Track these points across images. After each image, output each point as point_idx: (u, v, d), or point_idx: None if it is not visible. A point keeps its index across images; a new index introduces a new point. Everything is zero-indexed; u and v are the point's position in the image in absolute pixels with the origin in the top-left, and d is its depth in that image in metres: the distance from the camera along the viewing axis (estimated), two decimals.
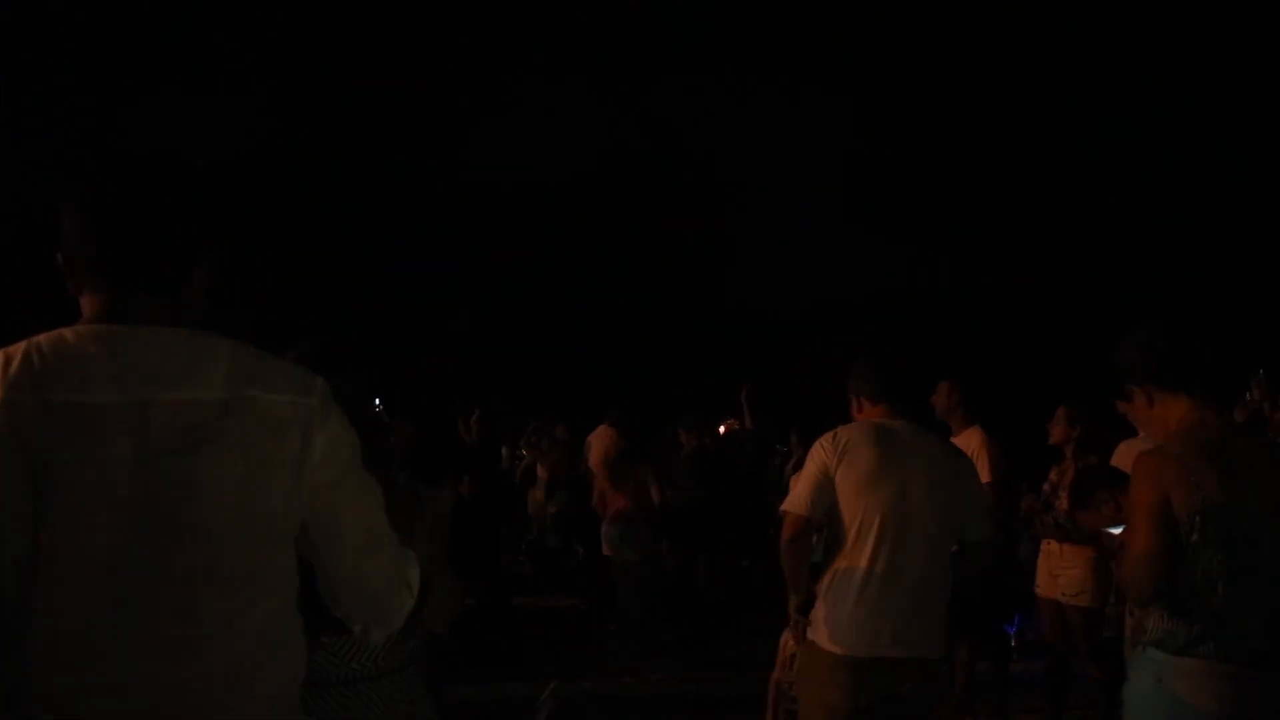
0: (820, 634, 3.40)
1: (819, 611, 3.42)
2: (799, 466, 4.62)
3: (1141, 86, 21.52)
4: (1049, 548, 5.30)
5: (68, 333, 1.45)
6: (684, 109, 23.66)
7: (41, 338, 1.44)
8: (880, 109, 23.09)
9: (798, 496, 3.43)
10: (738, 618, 8.09)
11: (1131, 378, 2.66)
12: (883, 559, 3.32)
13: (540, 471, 9.77)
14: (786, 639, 4.38)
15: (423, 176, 22.95)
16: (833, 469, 3.37)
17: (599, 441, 8.57)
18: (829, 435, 3.46)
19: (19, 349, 1.42)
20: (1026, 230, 22.37)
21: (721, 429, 10.16)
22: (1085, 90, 22.87)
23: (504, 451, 9.95)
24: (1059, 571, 5.18)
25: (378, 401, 4.68)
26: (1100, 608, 5.00)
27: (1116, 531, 4.01)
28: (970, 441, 5.51)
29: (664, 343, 21.94)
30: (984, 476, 5.43)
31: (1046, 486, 5.43)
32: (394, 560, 1.69)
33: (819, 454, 3.42)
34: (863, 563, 3.33)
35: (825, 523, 3.44)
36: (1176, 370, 2.58)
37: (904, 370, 3.68)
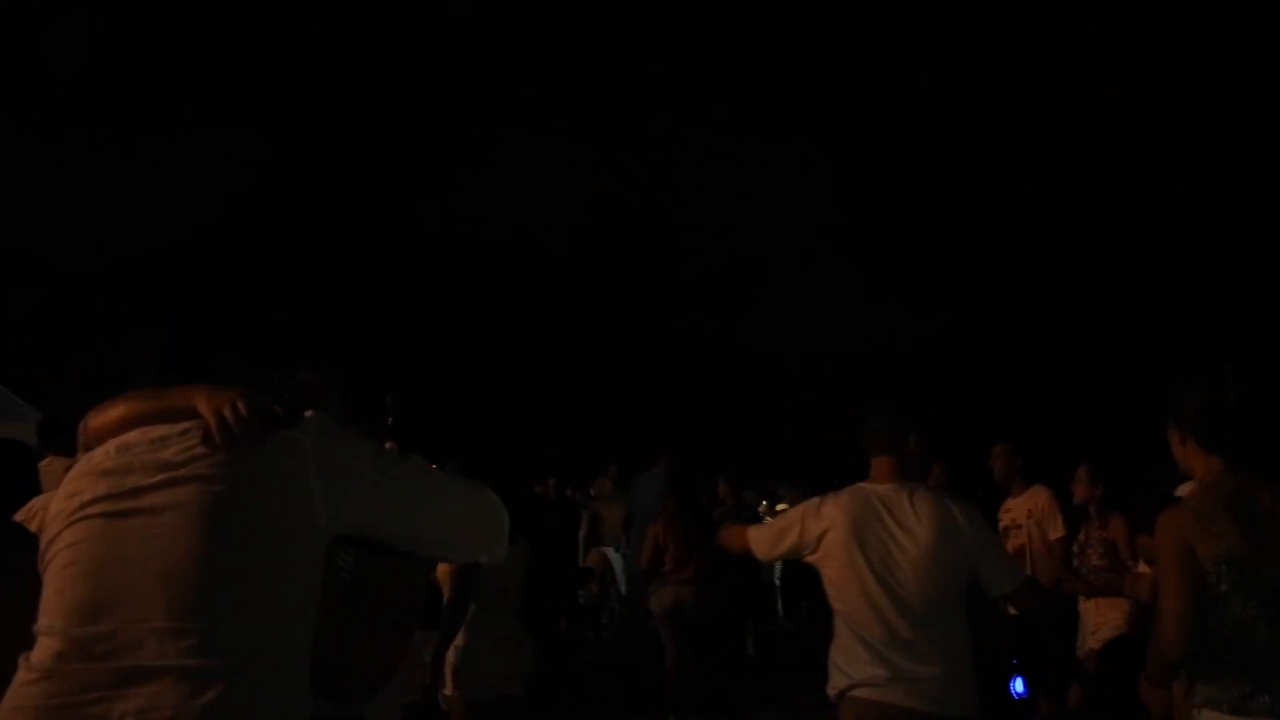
0: None
1: None
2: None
3: (1153, 129, 21.68)
4: (1086, 604, 5.37)
5: None
6: (675, 160, 23.99)
7: None
8: (872, 159, 23.34)
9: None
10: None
11: (1175, 420, 2.79)
12: None
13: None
14: None
15: (420, 223, 23.25)
16: None
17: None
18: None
19: None
20: (1033, 279, 22.51)
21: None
22: (1094, 133, 23.05)
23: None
24: (1097, 627, 5.24)
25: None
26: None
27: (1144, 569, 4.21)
28: (1038, 499, 5.75)
29: (659, 394, 21.94)
30: (1054, 533, 5.68)
31: (1075, 546, 5.53)
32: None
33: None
34: None
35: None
36: (1207, 430, 2.71)
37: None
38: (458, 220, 22.91)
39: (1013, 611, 4.43)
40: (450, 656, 4.38)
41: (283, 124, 21.81)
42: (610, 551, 9.53)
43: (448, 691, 4.44)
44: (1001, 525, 6.03)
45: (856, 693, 3.43)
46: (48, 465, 5.03)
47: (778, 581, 10.95)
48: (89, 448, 1.85)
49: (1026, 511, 5.86)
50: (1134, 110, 21.65)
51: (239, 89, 21.24)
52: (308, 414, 1.82)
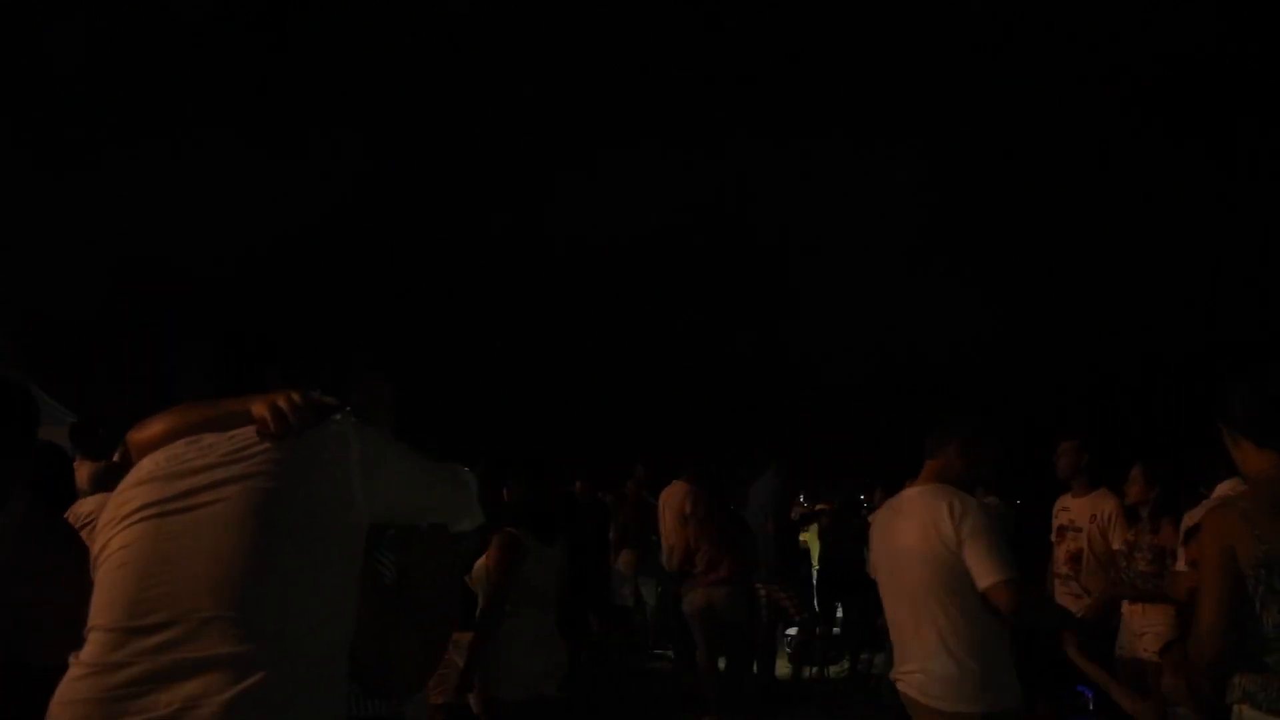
0: None
1: None
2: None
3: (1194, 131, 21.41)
4: (1131, 608, 5.24)
5: None
6: (753, 166, 24.03)
7: None
8: (949, 162, 23.25)
9: None
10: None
11: (1224, 420, 2.82)
12: None
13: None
14: None
15: (499, 233, 23.48)
16: None
17: (676, 498, 8.42)
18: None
19: None
20: (1093, 282, 22.30)
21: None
22: (1133, 134, 22.84)
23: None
24: (1143, 630, 5.13)
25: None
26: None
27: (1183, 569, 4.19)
28: (1104, 506, 5.59)
29: (731, 398, 22.08)
30: (1116, 543, 5.49)
31: (1124, 546, 5.40)
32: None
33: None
34: None
35: None
36: (1263, 426, 2.72)
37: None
38: (537, 227, 23.15)
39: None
40: (485, 657, 4.39)
41: (379, 132, 22.05)
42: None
43: (482, 692, 4.45)
44: (1057, 524, 5.91)
45: (896, 682, 3.74)
46: (77, 467, 5.19)
47: (815, 580, 10.90)
48: (134, 460, 1.92)
49: (1090, 516, 5.70)
50: (1155, 111, 21.38)
51: (298, 100, 21.48)
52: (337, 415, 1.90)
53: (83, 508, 4.11)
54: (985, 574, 3.48)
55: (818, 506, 10.26)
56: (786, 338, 22.90)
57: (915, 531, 3.62)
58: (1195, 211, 21.66)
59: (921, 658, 3.58)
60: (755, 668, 8.14)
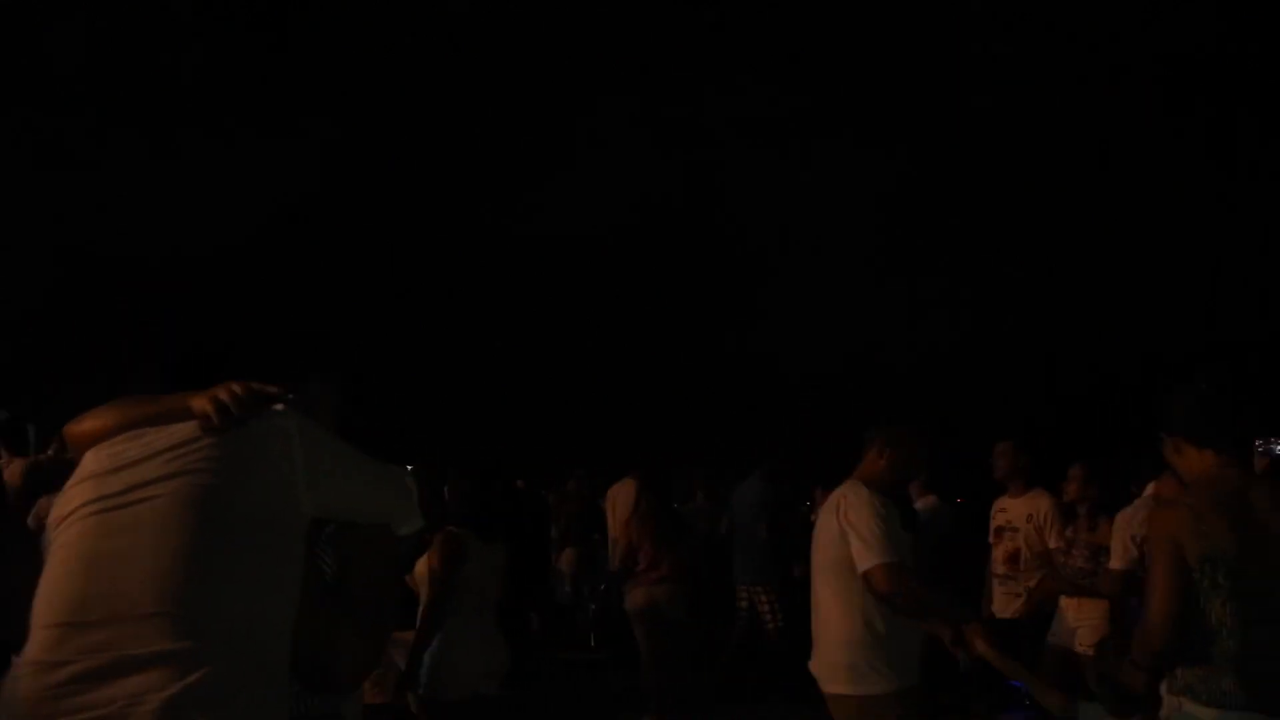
0: None
1: None
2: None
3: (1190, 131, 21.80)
4: (1067, 602, 5.32)
5: None
6: (722, 164, 24.13)
7: None
8: (918, 165, 23.51)
9: None
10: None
11: (1164, 427, 2.94)
12: None
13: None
14: None
15: (468, 228, 23.34)
16: None
17: (624, 496, 8.35)
18: None
19: None
20: (1057, 284, 22.69)
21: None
22: (1119, 141, 23.25)
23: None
24: (1078, 624, 5.23)
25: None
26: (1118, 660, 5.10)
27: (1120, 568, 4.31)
28: (1040, 505, 5.69)
29: (689, 396, 22.12)
30: (1053, 542, 5.61)
31: (1062, 544, 5.52)
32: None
33: None
34: None
35: None
36: (1200, 428, 2.85)
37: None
38: (505, 223, 23.01)
39: None
40: (426, 657, 4.36)
41: (357, 124, 21.76)
42: None
43: (421, 692, 4.42)
44: (995, 525, 5.98)
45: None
46: (6, 465, 5.14)
47: None
48: (71, 454, 1.93)
49: (1026, 515, 5.78)
50: (1135, 108, 21.82)
51: (283, 93, 21.14)
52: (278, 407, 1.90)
53: (43, 508, 4.08)
54: (863, 558, 3.65)
55: None
56: (753, 337, 23.02)
57: (821, 526, 3.91)
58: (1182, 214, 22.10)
59: (819, 644, 3.86)
60: (696, 666, 8.19)
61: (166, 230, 18.04)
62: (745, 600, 8.01)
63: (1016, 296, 22.80)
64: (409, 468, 2.17)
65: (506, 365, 22.80)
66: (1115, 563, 4.54)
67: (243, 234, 18.47)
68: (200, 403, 1.81)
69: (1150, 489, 4.69)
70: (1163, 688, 3.33)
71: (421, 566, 4.53)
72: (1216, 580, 2.65)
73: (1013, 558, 5.79)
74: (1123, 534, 4.49)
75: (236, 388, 1.82)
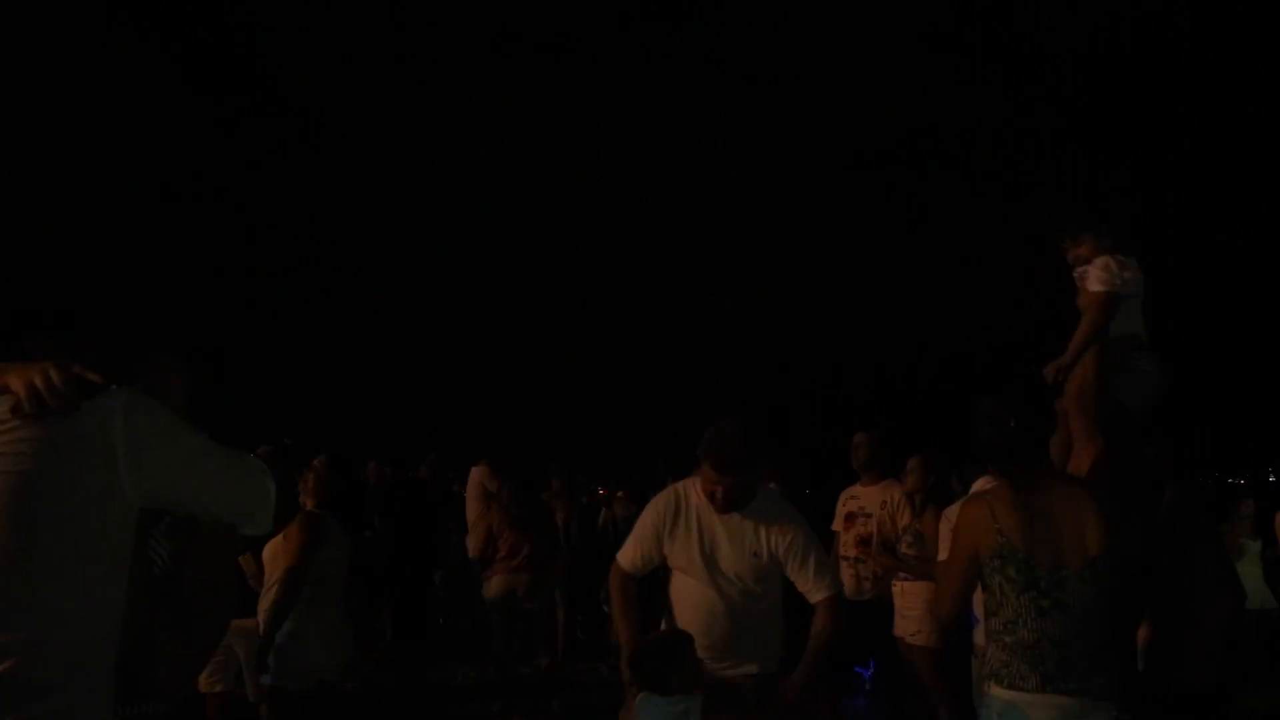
0: None
1: None
2: None
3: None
4: (896, 588, 5.61)
5: None
6: (590, 159, 24.27)
7: None
8: (775, 167, 24.00)
9: None
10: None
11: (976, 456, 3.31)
12: None
13: None
14: None
15: (331, 208, 22.84)
16: None
17: (474, 482, 8.26)
18: None
19: None
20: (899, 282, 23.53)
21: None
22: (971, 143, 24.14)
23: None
24: (906, 612, 5.49)
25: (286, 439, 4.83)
26: (941, 648, 5.20)
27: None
28: (893, 493, 5.96)
29: (537, 384, 22.16)
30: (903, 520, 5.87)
31: (900, 531, 5.76)
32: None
33: None
34: None
35: None
36: (991, 461, 3.20)
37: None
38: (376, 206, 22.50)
39: None
40: (275, 642, 4.30)
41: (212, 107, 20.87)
42: None
43: (265, 680, 4.36)
44: (845, 510, 6.20)
45: None
46: None
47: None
48: None
49: (881, 502, 6.02)
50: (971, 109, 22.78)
51: (170, 71, 20.12)
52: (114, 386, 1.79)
53: None
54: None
55: (618, 493, 10.34)
56: (602, 326, 23.20)
57: None
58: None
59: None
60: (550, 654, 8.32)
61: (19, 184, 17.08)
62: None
63: (852, 294, 23.66)
64: (265, 467, 1.99)
65: (365, 347, 22.42)
66: (943, 554, 4.78)
67: (99, 200, 17.63)
68: (15, 383, 1.70)
69: (978, 484, 4.97)
70: (973, 666, 3.85)
71: (273, 547, 4.44)
72: (1009, 574, 2.89)
73: (864, 541, 6.04)
74: (949, 526, 4.73)
75: (55, 374, 1.69)
